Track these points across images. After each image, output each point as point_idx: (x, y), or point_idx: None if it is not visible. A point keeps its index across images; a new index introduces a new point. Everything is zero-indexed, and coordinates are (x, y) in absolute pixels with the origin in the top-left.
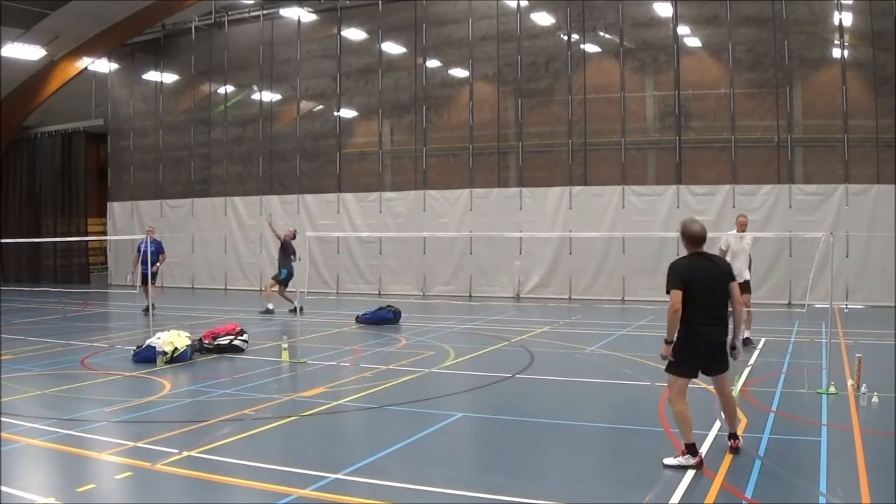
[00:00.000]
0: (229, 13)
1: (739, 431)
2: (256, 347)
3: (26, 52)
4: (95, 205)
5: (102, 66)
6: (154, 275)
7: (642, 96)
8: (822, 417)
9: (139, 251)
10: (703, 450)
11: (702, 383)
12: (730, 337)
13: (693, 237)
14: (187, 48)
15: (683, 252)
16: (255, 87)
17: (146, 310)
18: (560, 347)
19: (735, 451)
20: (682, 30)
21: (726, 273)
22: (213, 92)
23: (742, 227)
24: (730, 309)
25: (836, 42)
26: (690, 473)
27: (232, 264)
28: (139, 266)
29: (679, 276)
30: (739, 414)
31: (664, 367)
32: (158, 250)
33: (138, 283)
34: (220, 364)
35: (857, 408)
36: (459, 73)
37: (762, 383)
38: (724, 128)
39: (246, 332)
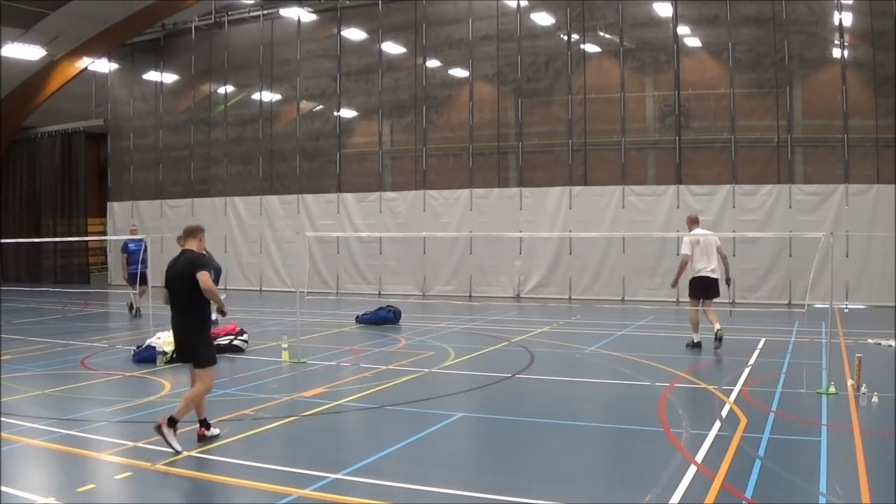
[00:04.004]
0: (229, 13)
1: (739, 431)
2: (256, 347)
3: (26, 52)
4: (95, 205)
5: (102, 66)
6: None
7: (642, 96)
8: (822, 417)
9: None
10: (703, 450)
11: (702, 383)
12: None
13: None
14: (187, 48)
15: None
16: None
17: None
18: (560, 347)
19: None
20: (682, 30)
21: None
22: (213, 92)
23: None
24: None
25: (836, 42)
26: (690, 473)
27: (232, 264)
28: None
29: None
30: (739, 414)
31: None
32: None
33: None
34: (220, 364)
35: (857, 408)
36: (459, 73)
37: (762, 383)
38: (724, 128)
39: (246, 332)
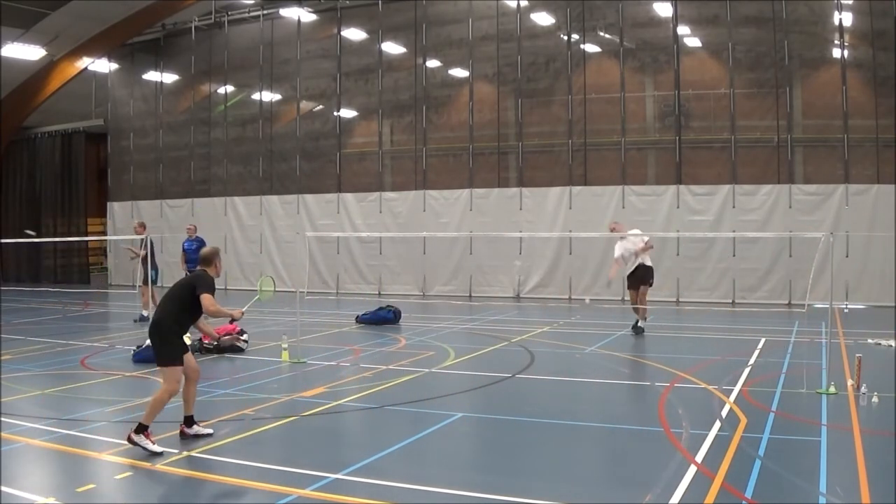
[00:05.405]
0: (229, 13)
1: (739, 431)
2: (256, 347)
3: (26, 52)
4: (95, 205)
5: (102, 66)
6: None
7: (642, 96)
8: (822, 417)
9: None
10: (703, 450)
11: (702, 382)
12: None
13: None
14: (187, 48)
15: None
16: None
17: None
18: (560, 347)
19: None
20: (682, 30)
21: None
22: (213, 92)
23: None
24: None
25: (836, 42)
26: (690, 473)
27: (232, 264)
28: None
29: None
30: (739, 414)
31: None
32: None
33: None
34: (220, 364)
35: (857, 408)
36: (459, 73)
37: (762, 383)
38: (724, 128)
39: (246, 332)
